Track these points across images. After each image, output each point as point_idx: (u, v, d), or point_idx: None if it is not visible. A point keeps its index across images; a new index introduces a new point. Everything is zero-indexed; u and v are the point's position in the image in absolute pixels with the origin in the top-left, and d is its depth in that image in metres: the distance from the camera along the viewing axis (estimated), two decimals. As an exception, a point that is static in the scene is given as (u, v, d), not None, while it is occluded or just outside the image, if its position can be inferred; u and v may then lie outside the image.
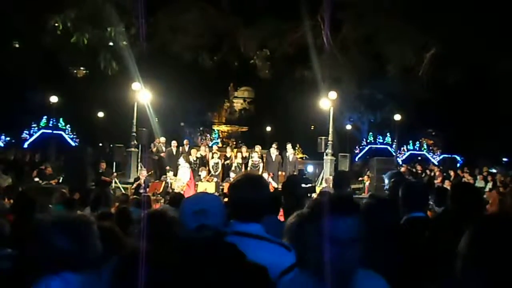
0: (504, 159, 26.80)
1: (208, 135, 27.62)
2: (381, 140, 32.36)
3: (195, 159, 15.07)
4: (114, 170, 14.94)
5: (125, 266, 1.82)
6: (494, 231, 1.22)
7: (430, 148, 33.17)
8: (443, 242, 2.37)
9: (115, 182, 14.53)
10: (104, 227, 2.60)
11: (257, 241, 2.17)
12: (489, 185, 16.25)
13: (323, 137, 16.73)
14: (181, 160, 14.09)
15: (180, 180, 13.72)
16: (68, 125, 29.44)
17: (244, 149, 16.14)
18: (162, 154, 15.75)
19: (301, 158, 19.96)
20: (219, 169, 15.34)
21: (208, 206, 1.85)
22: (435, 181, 16.80)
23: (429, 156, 32.38)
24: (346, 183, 5.07)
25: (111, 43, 16.29)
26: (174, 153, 15.44)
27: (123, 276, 1.82)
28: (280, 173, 15.52)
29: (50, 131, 26.95)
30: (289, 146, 16.06)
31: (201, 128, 27.14)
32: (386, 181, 4.41)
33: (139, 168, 15.47)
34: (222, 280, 1.74)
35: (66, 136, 28.92)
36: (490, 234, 1.21)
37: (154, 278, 1.78)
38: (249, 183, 2.30)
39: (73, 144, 28.46)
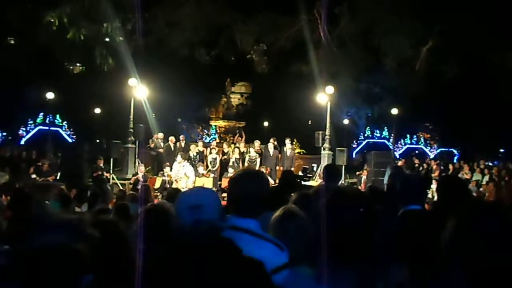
0: (501, 150, 26.92)
1: (206, 130, 27.64)
2: (378, 134, 32.35)
3: (194, 154, 15.08)
4: (111, 167, 14.94)
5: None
6: (475, 220, 1.23)
7: (427, 142, 33.21)
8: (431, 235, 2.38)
9: (113, 178, 14.53)
10: (106, 221, 2.60)
11: (252, 237, 2.16)
12: (486, 178, 16.32)
13: (320, 132, 16.74)
14: (179, 158, 14.03)
15: (189, 178, 13.66)
16: (65, 122, 29.33)
17: (242, 144, 16.12)
18: (160, 150, 15.74)
19: (299, 153, 19.97)
20: (217, 165, 15.33)
21: (204, 201, 1.85)
22: (433, 175, 16.85)
23: (426, 149, 32.43)
24: (336, 175, 5.06)
25: (107, 39, 16.25)
26: (172, 149, 15.44)
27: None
28: (278, 168, 15.52)
29: (46, 127, 26.88)
30: (287, 141, 16.07)
31: (203, 125, 27.10)
32: (386, 175, 4.43)
33: (137, 164, 15.46)
34: (219, 274, 1.74)
35: (63, 133, 28.81)
36: (471, 223, 1.22)
37: (150, 272, 1.78)
38: (249, 178, 2.30)
39: (70, 140, 28.39)
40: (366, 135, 32.21)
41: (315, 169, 16.69)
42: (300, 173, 14.22)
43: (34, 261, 1.71)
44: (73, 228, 2.11)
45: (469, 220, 1.23)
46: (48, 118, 28.15)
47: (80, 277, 1.72)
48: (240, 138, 17.47)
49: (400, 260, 1.96)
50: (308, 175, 14.49)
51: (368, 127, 32.11)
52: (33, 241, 1.79)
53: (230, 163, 15.04)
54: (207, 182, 13.62)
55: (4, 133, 28.51)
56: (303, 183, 5.56)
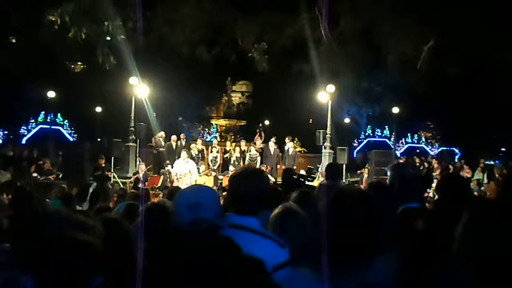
0: (502, 149, 26.90)
1: (207, 129, 27.64)
2: (379, 133, 32.36)
3: (196, 153, 15.10)
4: (112, 165, 14.95)
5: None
6: (487, 220, 1.23)
7: (429, 140, 33.19)
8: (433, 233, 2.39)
9: (114, 177, 14.54)
10: (111, 219, 2.60)
11: (252, 235, 2.16)
12: (485, 176, 16.35)
13: (321, 131, 16.73)
14: (184, 154, 14.03)
15: (193, 174, 13.67)
16: (66, 120, 29.39)
17: (243, 143, 16.14)
18: (161, 149, 15.75)
19: (300, 151, 19.95)
20: (218, 163, 15.35)
21: (203, 199, 1.85)
22: (434, 174, 16.83)
23: (427, 148, 32.42)
24: (338, 174, 5.06)
25: (108, 38, 16.25)
26: (174, 147, 15.46)
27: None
28: (278, 166, 15.52)
29: (48, 126, 26.94)
30: (287, 140, 16.07)
31: (204, 123, 27.14)
32: (389, 173, 4.42)
33: (138, 162, 15.48)
34: (218, 273, 1.74)
35: (64, 132, 28.87)
36: (483, 223, 1.22)
37: (150, 271, 1.79)
38: (249, 175, 2.30)
39: (71, 139, 28.44)
40: (367, 133, 32.22)
41: (320, 169, 16.70)
42: (304, 173, 14.19)
43: (46, 254, 1.63)
44: (83, 224, 2.10)
45: (484, 219, 1.23)
46: (49, 117, 28.23)
47: (92, 277, 1.60)
48: (259, 138, 17.45)
49: (401, 258, 1.96)
50: (313, 175, 14.45)
51: (369, 126, 32.11)
52: (44, 235, 1.76)
53: (231, 162, 15.06)
54: (208, 181, 13.65)
55: (6, 132, 28.57)
56: (307, 183, 5.51)
